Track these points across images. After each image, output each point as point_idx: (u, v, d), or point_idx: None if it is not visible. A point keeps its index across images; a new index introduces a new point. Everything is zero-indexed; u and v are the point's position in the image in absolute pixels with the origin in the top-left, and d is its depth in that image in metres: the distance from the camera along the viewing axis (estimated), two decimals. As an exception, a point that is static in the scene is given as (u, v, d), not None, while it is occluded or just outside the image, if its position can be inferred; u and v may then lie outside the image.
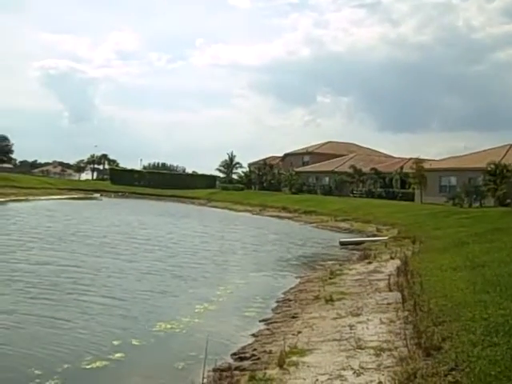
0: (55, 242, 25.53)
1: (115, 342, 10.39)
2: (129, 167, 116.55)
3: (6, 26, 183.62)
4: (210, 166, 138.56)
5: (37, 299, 13.78)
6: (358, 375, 7.76)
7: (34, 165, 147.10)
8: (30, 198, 64.88)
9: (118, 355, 9.69)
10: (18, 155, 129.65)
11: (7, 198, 60.27)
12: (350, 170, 70.84)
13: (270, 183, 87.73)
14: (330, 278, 17.17)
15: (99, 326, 11.65)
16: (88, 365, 9.15)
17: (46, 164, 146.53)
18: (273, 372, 8.22)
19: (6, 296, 13.98)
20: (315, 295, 14.51)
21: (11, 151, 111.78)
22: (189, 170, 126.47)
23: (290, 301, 14.63)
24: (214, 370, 8.47)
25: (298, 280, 18.25)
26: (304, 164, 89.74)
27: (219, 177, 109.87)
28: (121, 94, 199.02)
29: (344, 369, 8.08)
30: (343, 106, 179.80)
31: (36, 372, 8.57)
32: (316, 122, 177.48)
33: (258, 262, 23.27)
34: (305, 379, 7.81)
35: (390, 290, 13.80)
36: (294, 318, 12.36)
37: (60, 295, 14.35)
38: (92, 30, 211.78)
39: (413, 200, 57.32)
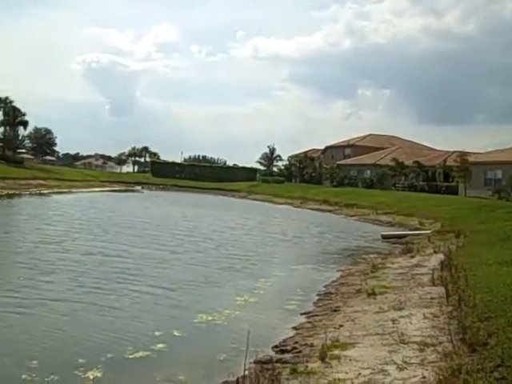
0: (100, 233, 26.01)
1: (157, 333, 10.48)
2: (170, 160, 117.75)
3: (49, 21, 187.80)
4: (250, 159, 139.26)
5: (86, 288, 14.09)
6: (401, 370, 7.65)
7: (77, 157, 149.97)
8: (73, 190, 66.10)
9: (159, 346, 9.77)
10: (61, 148, 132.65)
11: (51, 190, 61.53)
12: (392, 163, 70.00)
13: (310, 176, 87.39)
14: (372, 272, 17.00)
15: (142, 316, 11.79)
16: (130, 354, 9.25)
17: (88, 157, 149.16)
18: (314, 365, 8.17)
19: (56, 284, 14.29)
20: (357, 289, 14.39)
21: (54, 144, 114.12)
22: (229, 163, 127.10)
23: (332, 294, 14.54)
24: (256, 362, 8.46)
25: (340, 273, 18.12)
26: (345, 157, 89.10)
27: (260, 169, 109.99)
28: (162, 87, 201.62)
29: (387, 363, 7.98)
30: (385, 99, 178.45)
31: (80, 361, 8.71)
32: (357, 115, 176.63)
33: (299, 255, 23.21)
34: (347, 373, 7.73)
35: (434, 285, 13.57)
36: (335, 311, 12.27)
37: (106, 284, 14.60)
38: (133, 24, 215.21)
39: (456, 193, 56.37)
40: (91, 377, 8.17)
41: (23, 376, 7.97)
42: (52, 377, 8.02)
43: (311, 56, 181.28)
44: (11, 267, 16.44)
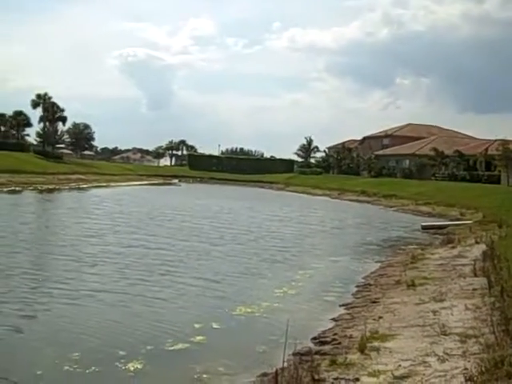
0: (141, 226, 26.35)
1: (196, 325, 10.53)
2: (207, 153, 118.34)
3: (86, 16, 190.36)
4: (287, 151, 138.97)
5: (129, 279, 14.33)
6: (443, 361, 7.53)
7: (115, 151, 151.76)
8: (111, 184, 66.94)
9: (199, 338, 9.82)
10: (99, 142, 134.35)
11: (89, 185, 62.47)
12: (432, 153, 69.00)
13: (348, 167, 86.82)
14: (412, 263, 16.81)
15: (182, 309, 11.90)
16: (170, 347, 9.32)
17: (126, 151, 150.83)
18: (354, 357, 8.11)
19: (101, 276, 14.54)
20: (396, 280, 14.25)
21: (93, 139, 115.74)
22: (267, 155, 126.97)
23: (371, 285, 14.43)
24: (294, 354, 8.44)
25: (379, 264, 17.98)
26: (383, 147, 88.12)
27: (297, 161, 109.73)
28: (198, 80, 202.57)
29: (428, 355, 7.87)
30: (423, 87, 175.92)
31: (121, 353, 8.81)
32: (395, 104, 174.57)
33: (338, 246, 23.10)
34: (387, 364, 7.66)
35: (476, 276, 13.33)
36: (374, 302, 12.17)
37: (149, 276, 14.80)
38: (169, 18, 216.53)
39: (498, 183, 55.28)
40: (132, 368, 8.27)
41: (65, 367, 8.10)
42: (93, 368, 8.13)
43: (348, 46, 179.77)
44: (56, 260, 16.76)
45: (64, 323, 10.50)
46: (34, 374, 7.88)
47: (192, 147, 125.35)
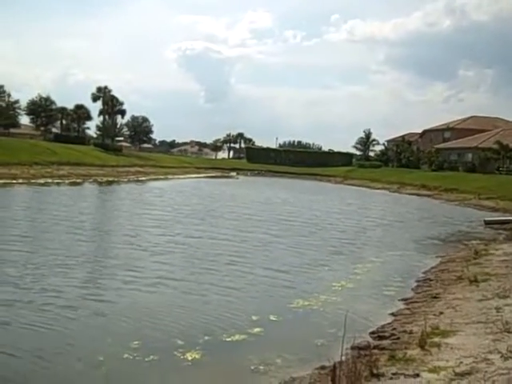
0: (203, 217, 26.84)
1: (254, 317, 10.57)
2: (265, 145, 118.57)
3: (146, 9, 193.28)
4: (346, 144, 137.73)
5: (194, 268, 14.70)
6: (506, 359, 7.30)
7: (173, 144, 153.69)
8: (169, 176, 67.89)
9: (256, 330, 9.84)
10: (158, 135, 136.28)
11: (148, 177, 63.53)
12: (496, 146, 66.96)
13: (408, 160, 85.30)
14: (475, 258, 16.40)
15: (240, 300, 11.93)
16: (228, 338, 9.38)
17: (184, 144, 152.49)
18: (413, 352, 7.97)
19: (171, 265, 14.94)
20: (458, 275, 13.92)
21: (151, 131, 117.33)
22: (325, 148, 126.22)
23: (431, 280, 14.15)
24: (353, 348, 8.35)
25: (440, 259, 17.61)
26: (445, 140, 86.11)
27: (355, 154, 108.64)
28: (256, 73, 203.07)
29: (490, 352, 7.65)
30: (488, 79, 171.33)
31: (179, 342, 8.92)
32: (458, 97, 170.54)
33: (398, 240, 22.76)
34: (447, 361, 7.48)
35: (542, 272, 12.90)
36: (435, 298, 11.93)
37: (214, 266, 15.06)
38: (227, 11, 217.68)
39: None
40: (189, 358, 8.36)
41: (125, 355, 8.26)
42: (152, 357, 8.26)
43: (409, 37, 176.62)
44: (125, 249, 17.20)
45: (127, 310, 10.72)
46: (97, 360, 8.07)
47: (250, 140, 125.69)
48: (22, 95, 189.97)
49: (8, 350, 8.29)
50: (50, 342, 8.89)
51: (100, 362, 8.00)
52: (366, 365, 7.13)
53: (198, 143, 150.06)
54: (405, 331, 9.40)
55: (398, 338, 9.03)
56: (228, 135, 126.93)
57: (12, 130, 79.37)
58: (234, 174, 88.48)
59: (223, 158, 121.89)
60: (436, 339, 8.47)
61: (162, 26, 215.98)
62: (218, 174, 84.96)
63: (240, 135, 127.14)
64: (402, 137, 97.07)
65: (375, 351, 8.24)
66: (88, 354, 8.42)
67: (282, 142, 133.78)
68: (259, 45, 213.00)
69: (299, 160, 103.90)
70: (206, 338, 9.25)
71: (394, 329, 9.75)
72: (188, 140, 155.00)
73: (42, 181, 44.28)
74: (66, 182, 46.72)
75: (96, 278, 13.40)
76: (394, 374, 7.05)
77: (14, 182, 41.67)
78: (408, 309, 11.41)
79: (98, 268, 14.50)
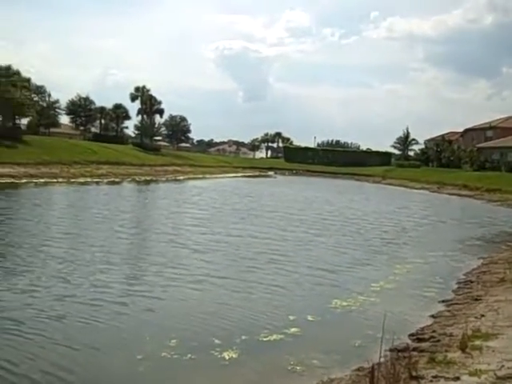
0: (243, 216, 27.01)
1: (291, 317, 10.51)
2: (303, 145, 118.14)
3: (184, 9, 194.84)
4: (384, 143, 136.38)
5: (237, 266, 14.90)
6: (551, 364, 7.11)
7: (210, 144, 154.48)
8: (207, 176, 68.29)
9: (293, 330, 9.78)
10: (195, 135, 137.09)
11: (186, 176, 63.99)
12: (540, 145, 65.42)
13: (448, 160, 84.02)
14: (517, 260, 16.03)
15: (277, 299, 11.87)
16: (265, 337, 9.34)
17: (222, 143, 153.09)
18: (454, 355, 7.81)
19: (213, 263, 15.13)
20: (500, 277, 13.62)
21: (189, 131, 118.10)
22: (363, 147, 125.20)
23: (472, 282, 13.88)
24: (391, 350, 8.24)
25: (481, 261, 17.27)
26: (487, 139, 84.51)
27: (394, 154, 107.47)
28: (294, 72, 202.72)
29: (534, 356, 7.46)
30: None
31: (216, 341, 8.92)
32: (501, 95, 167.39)
33: (439, 240, 22.44)
34: (489, 364, 7.31)
35: None
36: (476, 300, 11.70)
37: (256, 264, 15.21)
38: (265, 10, 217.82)
39: None
40: (227, 357, 8.35)
41: (162, 354, 8.29)
42: (189, 356, 8.28)
43: (449, 34, 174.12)
44: (167, 247, 17.41)
45: (166, 309, 10.83)
46: (135, 358, 8.13)
47: (288, 139, 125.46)
48: (62, 95, 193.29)
49: (65, 343, 8.58)
50: (101, 337, 9.04)
51: (138, 361, 8.04)
52: (405, 367, 7.02)
53: (236, 142, 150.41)
54: (445, 334, 9.23)
55: (438, 341, 8.87)
56: (266, 134, 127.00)
57: (52, 130, 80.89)
58: (271, 173, 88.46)
59: (261, 158, 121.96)
60: (477, 342, 8.29)
61: (199, 26, 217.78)
62: (256, 173, 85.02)
63: (278, 134, 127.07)
64: (442, 136, 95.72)
65: (414, 353, 8.10)
66: (128, 350, 8.52)
67: (320, 142, 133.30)
68: (297, 43, 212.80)
69: (337, 159, 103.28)
70: (243, 337, 9.23)
71: (434, 331, 9.59)
72: (226, 139, 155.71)
73: (81, 180, 45.07)
74: (105, 181, 47.43)
75: (141, 274, 13.68)
76: (433, 376, 6.91)
77: (55, 180, 42.50)
78: (448, 311, 11.21)
79: (143, 265, 14.82)
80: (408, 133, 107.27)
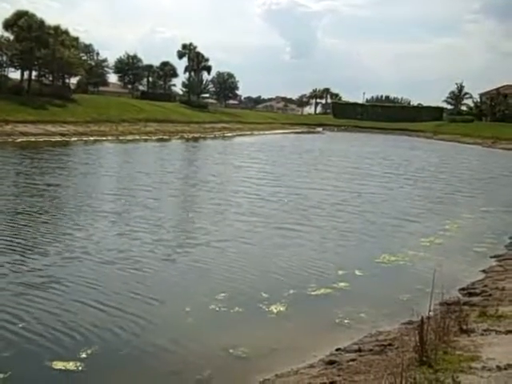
0: (309, 170, 28.80)
1: (340, 272, 10.46)
2: (351, 100, 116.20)
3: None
4: (436, 98, 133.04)
5: (297, 217, 14.79)
6: None
7: (258, 100, 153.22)
8: (255, 132, 68.02)
9: (342, 284, 9.74)
10: (243, 91, 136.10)
11: (234, 133, 63.91)
12: None
13: (503, 114, 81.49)
14: None
15: (327, 254, 11.84)
16: (313, 291, 9.32)
17: (270, 99, 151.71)
18: (506, 309, 7.65)
19: (275, 215, 15.01)
20: (556, 232, 13.24)
21: (237, 88, 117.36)
22: (414, 102, 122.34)
23: (526, 237, 13.53)
24: (441, 304, 8.11)
25: (536, 216, 16.82)
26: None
27: (446, 108, 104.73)
28: (343, 27, 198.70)
29: None
30: None
31: (264, 295, 8.94)
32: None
33: (492, 197, 22.01)
34: (543, 319, 7.14)
35: None
36: (530, 255, 11.42)
37: (299, 218, 14.99)
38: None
39: None
40: (274, 310, 8.38)
41: (211, 306, 8.37)
42: (237, 309, 8.33)
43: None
44: (243, 197, 18.61)
45: (216, 263, 10.87)
46: (184, 310, 8.23)
47: (336, 95, 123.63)
48: (110, 54, 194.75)
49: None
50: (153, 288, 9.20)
51: (187, 313, 8.14)
52: (455, 320, 6.90)
53: (284, 99, 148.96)
54: (497, 288, 9.05)
55: (490, 295, 8.71)
56: (314, 90, 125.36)
57: (101, 88, 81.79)
58: (320, 129, 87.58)
59: (309, 114, 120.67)
60: (530, 296, 8.10)
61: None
62: (305, 129, 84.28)
63: (326, 90, 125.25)
64: (497, 89, 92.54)
65: (465, 307, 7.96)
66: (177, 302, 8.66)
67: (369, 97, 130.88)
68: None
69: (387, 115, 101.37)
70: (292, 291, 9.23)
71: (486, 285, 9.42)
72: (274, 96, 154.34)
73: (130, 137, 45.62)
74: (153, 138, 47.83)
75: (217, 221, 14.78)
76: (484, 330, 6.79)
77: (104, 138, 43.12)
78: (500, 266, 10.99)
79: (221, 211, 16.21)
80: (461, 87, 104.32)
